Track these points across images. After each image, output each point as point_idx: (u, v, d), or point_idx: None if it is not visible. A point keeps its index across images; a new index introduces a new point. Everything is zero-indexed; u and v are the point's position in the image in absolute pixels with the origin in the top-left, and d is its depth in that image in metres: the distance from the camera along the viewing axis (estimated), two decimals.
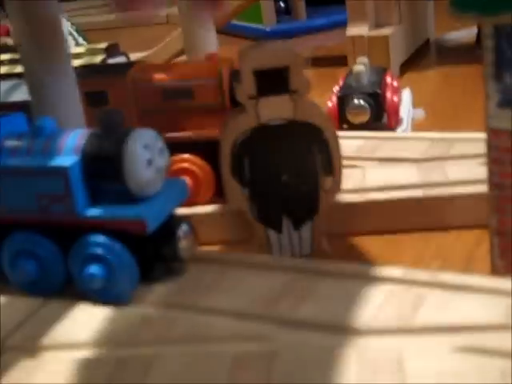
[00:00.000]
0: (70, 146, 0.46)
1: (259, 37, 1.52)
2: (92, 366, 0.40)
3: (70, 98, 0.53)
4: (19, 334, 0.43)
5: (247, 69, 0.48)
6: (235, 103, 0.56)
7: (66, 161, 0.45)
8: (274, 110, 0.49)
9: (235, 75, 0.57)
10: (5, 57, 0.82)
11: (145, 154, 0.44)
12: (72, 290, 0.47)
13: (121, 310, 0.45)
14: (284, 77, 0.48)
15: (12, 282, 0.49)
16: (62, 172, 0.44)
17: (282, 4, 1.69)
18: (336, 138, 0.50)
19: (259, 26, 1.60)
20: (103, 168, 0.45)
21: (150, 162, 0.45)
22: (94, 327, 0.43)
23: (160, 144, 0.46)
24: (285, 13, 1.69)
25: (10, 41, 1.99)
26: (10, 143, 0.47)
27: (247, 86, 0.48)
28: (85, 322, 0.44)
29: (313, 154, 0.50)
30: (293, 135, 0.49)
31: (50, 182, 0.45)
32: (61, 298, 0.47)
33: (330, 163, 0.50)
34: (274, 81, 0.48)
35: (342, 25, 1.45)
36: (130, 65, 0.64)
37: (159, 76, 0.60)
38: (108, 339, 0.42)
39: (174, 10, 2.25)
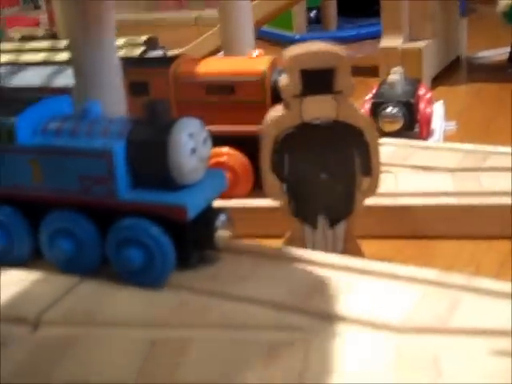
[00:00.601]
0: (116, 130, 0.46)
1: (287, 43, 1.53)
2: (128, 344, 0.40)
3: (114, 86, 0.54)
4: (55, 310, 0.44)
5: (294, 67, 0.48)
6: (275, 101, 0.57)
7: (111, 144, 0.45)
8: (318, 109, 0.49)
9: (279, 74, 0.58)
10: (44, 44, 0.83)
11: (189, 142, 0.45)
12: (107, 271, 0.48)
13: (156, 293, 0.45)
14: (330, 78, 0.48)
15: (48, 260, 0.49)
16: (106, 155, 0.45)
17: (313, 13, 1.70)
18: (376, 140, 0.50)
19: (289, 33, 1.61)
20: (147, 154, 0.45)
21: (193, 151, 0.45)
22: (129, 308, 0.44)
23: (204, 134, 0.47)
24: (315, 22, 1.70)
25: (39, 31, 2.02)
26: (56, 124, 0.48)
27: (293, 85, 0.49)
28: (121, 302, 0.45)
29: (352, 154, 0.50)
30: (334, 135, 0.50)
31: (93, 164, 0.46)
32: (96, 278, 0.47)
33: (369, 165, 0.50)
34: (319, 81, 0.48)
35: (372, 37, 1.46)
36: (172, 58, 0.65)
37: (202, 70, 0.61)
38: (144, 320, 0.42)
39: (203, 13, 2.27)
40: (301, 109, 0.49)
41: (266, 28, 1.48)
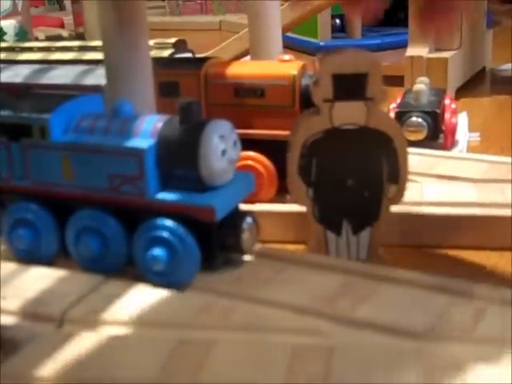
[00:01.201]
0: (147, 129, 0.47)
1: (312, 50, 1.54)
2: (152, 343, 0.41)
3: (146, 86, 0.54)
4: (80, 308, 0.44)
5: (327, 73, 0.49)
6: (304, 106, 0.57)
7: (142, 143, 0.46)
8: (348, 114, 0.49)
9: (309, 79, 0.58)
10: (74, 44, 0.84)
11: (220, 144, 0.45)
12: (132, 271, 0.48)
13: (180, 294, 0.45)
14: (361, 84, 0.48)
15: (74, 258, 0.50)
16: (137, 154, 0.46)
17: (337, 21, 1.70)
18: (405, 148, 0.50)
19: (313, 40, 1.61)
20: (178, 154, 0.46)
21: (223, 153, 0.46)
22: (154, 307, 0.44)
23: (234, 136, 0.47)
24: (340, 30, 1.71)
25: (64, 32, 2.03)
26: (88, 122, 0.49)
27: (324, 90, 0.49)
28: (145, 301, 0.45)
29: (380, 161, 0.50)
30: (363, 141, 0.50)
31: (124, 163, 0.46)
32: (121, 277, 0.48)
33: (396, 172, 0.51)
34: (351, 86, 0.49)
35: (396, 47, 1.46)
36: (203, 59, 0.66)
37: (232, 72, 0.61)
38: (168, 320, 0.43)
39: (227, 17, 2.28)
40: (331, 114, 0.49)
41: (290, 34, 1.49)
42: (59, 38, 1.88)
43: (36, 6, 2.50)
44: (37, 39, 1.75)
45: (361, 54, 0.49)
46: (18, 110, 0.49)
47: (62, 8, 2.76)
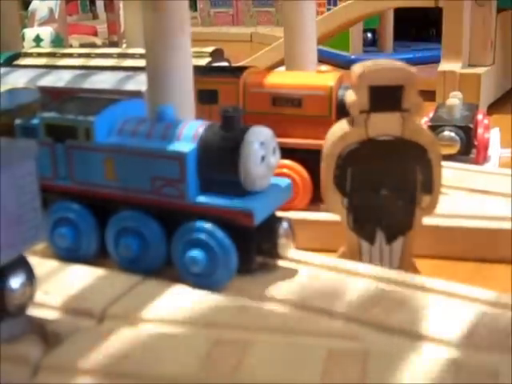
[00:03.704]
0: (189, 134, 0.48)
1: (342, 63, 1.55)
2: (191, 341, 0.42)
3: (186, 93, 0.55)
4: (120, 305, 0.45)
5: (363, 84, 0.49)
6: (340, 117, 0.58)
7: (184, 147, 0.47)
8: (384, 126, 0.50)
9: (345, 90, 0.59)
10: (114, 51, 0.86)
11: (260, 150, 0.47)
12: (170, 272, 0.49)
13: (217, 295, 0.47)
14: (398, 95, 0.49)
15: (113, 258, 0.51)
16: (179, 157, 0.47)
17: (369, 35, 1.72)
18: (439, 159, 0.51)
19: (344, 53, 1.62)
20: (219, 159, 0.47)
21: (263, 159, 0.47)
22: (191, 307, 0.45)
23: (274, 143, 0.48)
24: (371, 44, 1.72)
25: (97, 40, 2.07)
26: (131, 125, 0.50)
27: (361, 101, 0.50)
28: (183, 301, 0.46)
29: (414, 171, 0.51)
30: (398, 152, 0.51)
31: (166, 166, 0.48)
32: (159, 278, 0.49)
33: (430, 183, 0.51)
34: (387, 98, 0.49)
35: (427, 62, 1.47)
36: (242, 68, 0.67)
37: (271, 82, 0.62)
38: (206, 321, 0.44)
39: (258, 29, 2.29)
40: (367, 125, 0.50)
41: (322, 47, 1.50)
42: (93, 45, 1.91)
43: (70, 15, 2.54)
44: (71, 47, 1.78)
45: (398, 66, 0.50)
46: (63, 113, 0.51)
47: (95, 17, 2.80)
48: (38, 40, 1.61)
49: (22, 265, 0.41)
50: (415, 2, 1.20)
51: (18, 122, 0.53)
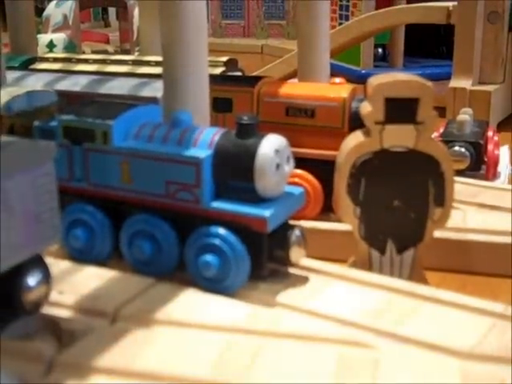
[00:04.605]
0: (205, 140, 0.49)
1: (353, 78, 1.56)
2: (203, 343, 0.42)
3: (202, 100, 0.56)
4: (133, 306, 0.46)
5: (379, 95, 0.50)
6: (353, 129, 0.58)
7: (200, 153, 0.48)
8: (398, 137, 0.51)
9: (358, 102, 0.60)
10: (129, 57, 0.87)
11: (275, 158, 0.47)
12: (182, 276, 0.50)
13: (229, 300, 0.47)
14: (413, 108, 0.50)
15: (127, 260, 0.52)
16: (196, 163, 0.48)
17: (380, 50, 1.73)
18: (452, 172, 0.52)
19: (355, 68, 1.63)
20: (234, 165, 0.48)
21: (278, 167, 0.47)
22: (203, 311, 0.46)
23: (288, 152, 0.49)
24: (381, 59, 1.73)
25: (109, 48, 2.08)
26: (148, 130, 0.51)
27: (376, 112, 0.51)
28: (194, 304, 0.46)
29: (427, 183, 0.52)
30: (411, 164, 0.51)
31: (182, 171, 0.48)
32: (171, 281, 0.49)
33: (442, 195, 0.52)
34: (402, 110, 0.50)
35: (437, 78, 1.47)
36: (256, 78, 0.68)
37: (284, 92, 0.63)
38: (218, 324, 0.44)
39: (269, 42, 2.31)
40: (381, 136, 0.51)
41: (333, 61, 1.51)
42: (105, 53, 1.92)
43: (82, 22, 2.56)
44: (83, 53, 1.79)
45: (413, 78, 0.50)
46: (81, 116, 0.52)
47: (107, 25, 2.82)
48: (51, 46, 1.63)
49: (38, 264, 0.42)
50: (427, 19, 1.21)
51: (36, 123, 0.54)
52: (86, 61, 0.86)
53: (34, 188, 0.41)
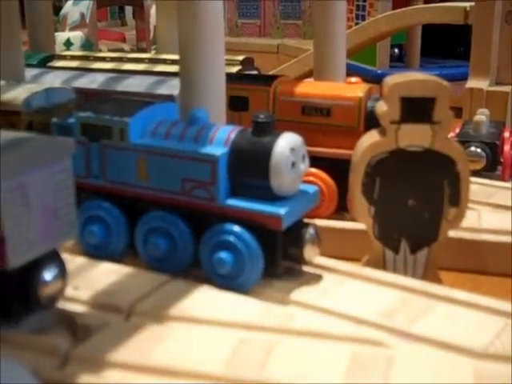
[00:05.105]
0: (222, 138, 0.49)
1: (369, 78, 1.56)
2: (216, 339, 0.42)
3: (218, 98, 0.56)
4: (148, 302, 0.46)
5: (395, 95, 0.50)
6: (368, 128, 0.59)
7: (216, 150, 0.48)
8: (414, 137, 0.51)
9: (374, 102, 0.60)
10: (145, 56, 0.87)
11: (291, 156, 0.47)
12: (196, 273, 0.50)
13: (243, 297, 0.47)
14: (430, 107, 0.50)
15: (142, 257, 0.52)
16: (212, 160, 0.48)
17: (396, 51, 1.72)
18: (468, 172, 0.52)
19: (371, 68, 1.63)
20: (250, 163, 0.48)
21: (293, 165, 0.48)
22: (216, 307, 0.46)
23: (303, 150, 0.49)
24: (398, 59, 1.72)
25: (125, 47, 2.09)
26: (165, 127, 0.51)
27: (392, 111, 0.51)
28: (208, 301, 0.47)
29: (442, 183, 0.52)
30: (427, 163, 0.51)
31: (198, 168, 0.48)
32: (186, 278, 0.50)
33: (458, 195, 0.52)
34: (419, 109, 0.50)
35: (454, 79, 1.47)
36: (273, 77, 0.68)
37: (301, 91, 0.64)
38: (231, 320, 0.44)
39: (285, 41, 2.31)
40: (397, 135, 0.51)
41: (349, 61, 1.51)
42: (121, 51, 1.93)
43: (99, 21, 2.57)
44: (100, 51, 1.80)
45: (430, 78, 0.50)
46: (99, 113, 0.52)
47: (123, 23, 2.83)
48: (68, 44, 1.63)
49: (55, 258, 0.43)
50: (444, 19, 1.21)
51: (54, 120, 0.54)
52: (103, 59, 0.87)
53: (52, 184, 0.41)
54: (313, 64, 0.76)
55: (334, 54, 0.76)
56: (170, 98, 0.65)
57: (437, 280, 0.53)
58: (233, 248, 0.48)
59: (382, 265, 0.54)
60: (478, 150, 0.79)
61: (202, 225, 0.49)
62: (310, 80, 0.79)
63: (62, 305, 0.44)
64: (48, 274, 0.41)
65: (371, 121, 0.59)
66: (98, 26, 1.98)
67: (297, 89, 0.65)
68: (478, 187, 0.71)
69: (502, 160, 0.81)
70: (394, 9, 1.50)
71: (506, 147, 0.81)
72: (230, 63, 0.79)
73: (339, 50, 0.77)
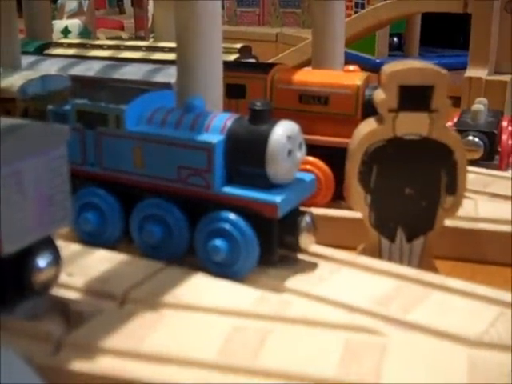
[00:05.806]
0: (218, 125, 0.49)
1: (367, 66, 1.55)
2: (210, 327, 0.42)
3: (215, 86, 0.56)
4: (142, 289, 0.46)
5: (393, 83, 0.50)
6: (366, 117, 0.58)
7: (212, 138, 0.48)
8: (411, 125, 0.51)
9: (372, 90, 0.60)
10: (143, 44, 0.87)
11: (287, 144, 0.47)
12: (191, 261, 0.50)
13: (237, 284, 0.47)
14: (427, 95, 0.50)
15: (137, 244, 0.52)
16: (208, 148, 0.48)
17: (395, 39, 1.72)
18: (465, 161, 0.52)
19: (370, 57, 1.63)
20: (246, 151, 0.48)
21: (290, 153, 0.47)
22: (211, 295, 0.46)
23: (300, 138, 0.49)
24: (397, 48, 1.72)
25: (123, 35, 2.08)
26: (161, 115, 0.51)
27: (390, 99, 0.50)
28: (203, 289, 0.47)
29: (439, 172, 0.52)
30: (424, 152, 0.51)
31: (194, 156, 0.48)
32: (181, 266, 0.50)
33: (455, 184, 0.52)
34: (416, 98, 0.50)
35: (453, 68, 1.47)
36: (270, 65, 0.68)
37: (298, 79, 0.63)
38: (226, 308, 0.44)
39: (284, 30, 2.30)
40: (395, 123, 0.51)
41: (347, 49, 1.50)
42: (119, 39, 1.92)
43: (97, 9, 2.56)
44: (98, 40, 1.80)
45: (428, 66, 0.50)
46: (95, 100, 0.52)
47: (121, 12, 2.82)
48: (66, 32, 1.63)
49: (49, 245, 0.42)
50: (444, 7, 1.20)
51: (50, 107, 0.54)
52: (100, 46, 0.87)
53: (47, 171, 0.41)
54: (311, 53, 0.75)
55: (333, 43, 0.76)
56: (167, 85, 0.65)
57: (432, 269, 0.53)
58: (228, 236, 0.48)
59: (377, 253, 0.54)
60: (476, 140, 0.79)
61: (198, 212, 0.49)
62: (308, 68, 0.78)
63: (56, 291, 0.44)
64: (42, 261, 0.41)
65: (369, 109, 0.58)
66: (95, 14, 1.97)
67: (294, 77, 0.64)
68: (475, 176, 0.71)
69: (499, 149, 0.81)
70: None
71: (504, 137, 0.80)
72: (227, 51, 0.79)
73: (337, 39, 0.76)
